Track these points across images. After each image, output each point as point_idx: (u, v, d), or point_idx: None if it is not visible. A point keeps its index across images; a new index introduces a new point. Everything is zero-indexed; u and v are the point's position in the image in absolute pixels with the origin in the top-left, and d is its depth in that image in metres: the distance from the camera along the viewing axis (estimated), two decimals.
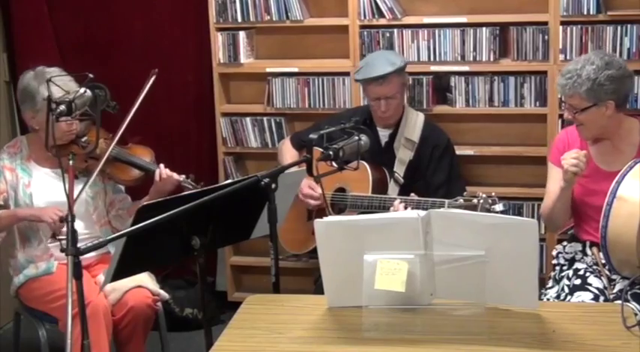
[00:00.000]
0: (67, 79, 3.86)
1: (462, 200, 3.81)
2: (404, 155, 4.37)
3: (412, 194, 4.07)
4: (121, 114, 3.94)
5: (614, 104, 3.58)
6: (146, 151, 4.21)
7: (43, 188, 3.98)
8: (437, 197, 4.05)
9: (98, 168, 3.86)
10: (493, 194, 3.76)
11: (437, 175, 4.35)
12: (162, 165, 4.08)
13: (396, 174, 4.35)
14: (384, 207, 4.11)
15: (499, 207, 3.73)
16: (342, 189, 4.36)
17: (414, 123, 4.41)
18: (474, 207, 3.74)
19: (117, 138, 3.91)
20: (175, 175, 4.05)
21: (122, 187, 4.25)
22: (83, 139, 4.05)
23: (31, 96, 3.91)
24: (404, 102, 4.45)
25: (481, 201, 3.74)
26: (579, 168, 3.51)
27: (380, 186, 4.30)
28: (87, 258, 3.94)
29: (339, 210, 4.35)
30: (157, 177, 4.05)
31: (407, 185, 4.34)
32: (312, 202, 4.35)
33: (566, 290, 3.62)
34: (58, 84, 3.58)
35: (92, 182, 3.95)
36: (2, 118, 5.17)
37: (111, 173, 4.10)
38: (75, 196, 3.77)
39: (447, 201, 3.87)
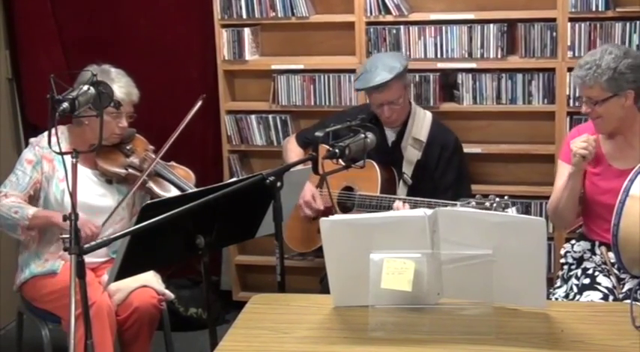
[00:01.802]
0: (130, 84, 3.86)
1: (474, 202, 3.74)
2: (411, 155, 4.33)
3: (417, 196, 4.03)
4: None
5: (633, 93, 3.56)
6: (188, 174, 4.17)
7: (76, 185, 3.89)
8: (446, 198, 4.02)
9: (141, 180, 3.89)
10: (506, 197, 3.71)
11: (446, 176, 4.32)
12: None
13: (405, 175, 4.32)
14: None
15: (512, 210, 3.68)
16: (349, 188, 4.33)
17: (422, 123, 4.37)
18: (487, 210, 3.68)
19: (161, 153, 3.94)
20: None
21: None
22: (128, 147, 4.05)
23: None
24: (409, 102, 4.41)
25: (494, 204, 3.69)
26: (588, 152, 3.52)
27: (388, 186, 4.27)
28: (94, 261, 3.94)
29: (346, 209, 4.32)
30: None
31: (415, 186, 4.30)
32: (308, 212, 4.32)
33: (575, 289, 3.60)
34: (121, 85, 3.71)
35: (126, 192, 3.97)
36: (5, 115, 5.15)
37: (151, 187, 4.03)
38: (116, 205, 3.92)
39: (458, 202, 3.83)
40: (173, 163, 4.18)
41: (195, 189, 4.01)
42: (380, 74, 4.17)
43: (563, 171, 3.73)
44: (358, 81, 4.28)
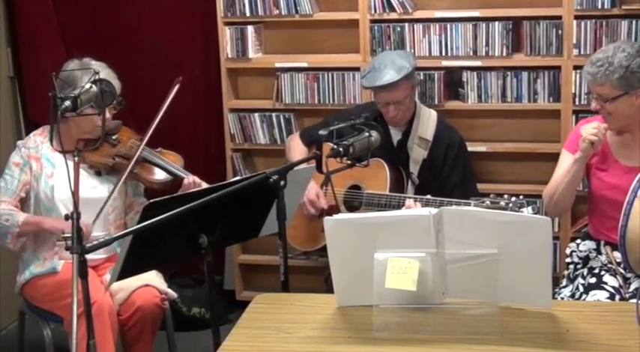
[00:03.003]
0: (113, 76, 3.84)
1: (488, 202, 3.70)
2: (418, 154, 4.31)
3: (427, 195, 4.01)
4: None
5: None
6: (177, 158, 4.16)
7: (65, 181, 3.86)
8: (453, 197, 3.99)
9: (129, 168, 3.89)
10: (521, 197, 3.68)
11: (452, 176, 4.29)
12: (191, 175, 4.04)
13: (412, 175, 4.29)
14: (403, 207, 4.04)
15: (528, 210, 3.63)
16: (356, 187, 4.30)
17: (428, 122, 4.35)
18: (502, 210, 3.64)
19: (146, 139, 3.94)
20: (205, 184, 3.98)
21: (142, 190, 4.21)
22: (114, 137, 4.04)
23: (72, 86, 3.83)
24: (415, 101, 4.38)
25: (510, 204, 3.65)
26: (598, 139, 3.51)
27: (397, 185, 4.23)
28: (95, 258, 3.92)
29: (353, 208, 4.28)
30: (185, 182, 4.00)
31: (422, 185, 4.28)
32: (312, 211, 4.29)
33: (581, 288, 3.58)
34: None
35: (115, 181, 3.96)
36: (6, 114, 5.14)
37: (139, 173, 4.05)
38: (108, 194, 3.90)
39: (472, 202, 3.79)
40: (161, 149, 4.17)
41: (183, 171, 4.06)
42: (388, 73, 4.14)
43: (566, 160, 3.71)
44: (366, 79, 4.25)
